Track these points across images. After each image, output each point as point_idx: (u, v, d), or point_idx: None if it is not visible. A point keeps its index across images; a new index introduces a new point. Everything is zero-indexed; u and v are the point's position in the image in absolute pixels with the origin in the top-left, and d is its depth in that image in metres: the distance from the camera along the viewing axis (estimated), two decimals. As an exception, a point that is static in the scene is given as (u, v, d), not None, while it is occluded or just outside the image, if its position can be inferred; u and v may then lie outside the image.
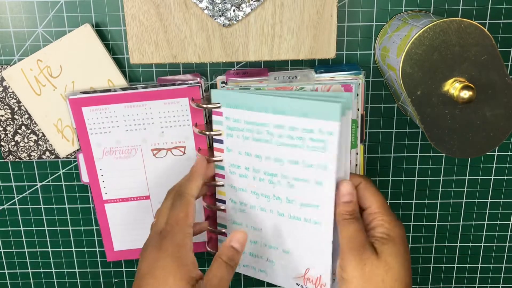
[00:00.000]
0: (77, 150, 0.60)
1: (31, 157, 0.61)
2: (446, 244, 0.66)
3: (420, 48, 0.48)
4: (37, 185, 0.63)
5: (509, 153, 0.62)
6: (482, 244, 0.66)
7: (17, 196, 0.64)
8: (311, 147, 0.51)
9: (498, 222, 0.65)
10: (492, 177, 0.63)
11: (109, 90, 0.57)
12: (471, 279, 0.68)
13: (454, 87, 0.48)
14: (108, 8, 0.56)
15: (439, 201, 0.64)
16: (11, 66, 0.58)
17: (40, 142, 0.61)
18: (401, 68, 0.49)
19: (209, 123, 0.58)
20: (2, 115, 0.60)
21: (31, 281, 0.68)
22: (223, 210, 0.58)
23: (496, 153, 0.62)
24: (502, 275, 0.68)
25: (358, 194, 0.52)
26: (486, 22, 0.57)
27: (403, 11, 0.57)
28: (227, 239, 0.51)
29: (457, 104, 0.49)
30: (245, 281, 0.67)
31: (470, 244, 0.66)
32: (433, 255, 0.67)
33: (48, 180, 0.63)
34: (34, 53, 0.57)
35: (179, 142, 0.59)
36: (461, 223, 0.65)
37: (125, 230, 0.63)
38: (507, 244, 0.66)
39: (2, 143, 0.61)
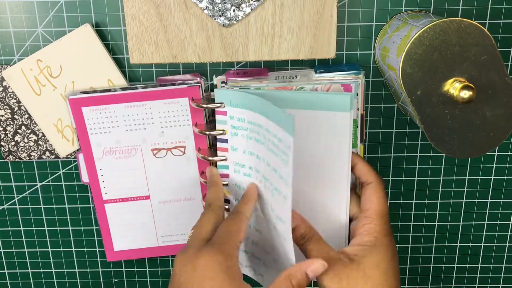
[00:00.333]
0: (77, 150, 0.60)
1: (31, 157, 0.61)
2: (446, 244, 0.66)
3: (420, 48, 0.48)
4: (37, 185, 0.63)
5: (509, 153, 0.62)
6: (482, 244, 0.66)
7: (17, 196, 0.64)
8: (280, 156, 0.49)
9: (498, 222, 0.65)
10: (492, 177, 0.63)
11: (109, 90, 0.57)
12: (471, 279, 0.68)
13: (454, 87, 0.48)
14: (108, 8, 0.56)
15: (439, 201, 0.64)
16: (11, 66, 0.58)
17: (40, 142, 0.61)
18: (401, 68, 0.49)
19: (209, 123, 0.58)
20: (2, 115, 0.60)
21: (31, 281, 0.68)
22: (227, 209, 0.58)
23: (496, 153, 0.62)
24: (502, 275, 0.68)
25: (365, 194, 0.52)
26: (486, 22, 0.57)
27: (403, 11, 0.57)
28: (304, 263, 0.47)
29: (457, 104, 0.49)
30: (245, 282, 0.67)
31: (470, 244, 0.66)
32: (433, 255, 0.67)
33: (48, 180, 0.63)
34: (34, 53, 0.57)
35: (179, 142, 0.59)
36: (461, 223, 0.65)
37: (125, 230, 0.63)
38: (507, 244, 0.66)
39: (2, 143, 0.61)
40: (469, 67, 0.49)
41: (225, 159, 0.57)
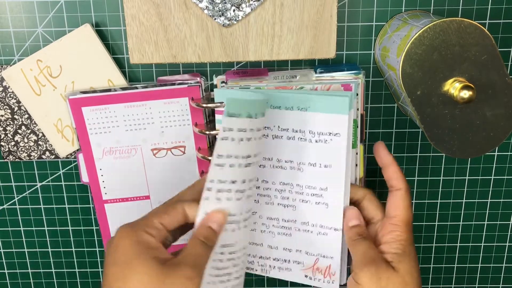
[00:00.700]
0: (77, 150, 0.60)
1: (31, 157, 0.61)
2: (446, 244, 0.66)
3: (420, 48, 0.48)
4: (37, 185, 0.63)
5: (509, 153, 0.62)
6: (482, 244, 0.66)
7: (17, 196, 0.64)
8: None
9: (498, 222, 0.65)
10: (492, 177, 0.63)
11: (109, 90, 0.57)
12: (471, 279, 0.68)
13: (454, 87, 0.48)
14: (108, 8, 0.56)
15: (439, 201, 0.64)
16: (11, 66, 0.58)
17: (40, 142, 0.61)
18: (401, 68, 0.49)
19: (209, 123, 0.58)
20: (2, 115, 0.60)
21: (31, 281, 0.68)
22: None
23: (496, 153, 0.62)
24: (502, 275, 0.68)
25: (392, 200, 0.52)
26: (486, 22, 0.57)
27: (403, 11, 0.57)
28: (205, 218, 0.48)
29: (457, 104, 0.49)
30: (245, 282, 0.67)
31: (470, 244, 0.66)
32: (433, 255, 0.67)
33: (48, 180, 0.63)
34: (34, 53, 0.57)
35: (179, 142, 0.59)
36: (461, 223, 0.65)
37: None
38: (507, 244, 0.66)
39: (2, 143, 0.61)
40: (469, 67, 0.49)
41: None
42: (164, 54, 0.54)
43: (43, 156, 0.61)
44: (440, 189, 0.63)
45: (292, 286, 0.67)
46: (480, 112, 0.50)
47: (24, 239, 0.66)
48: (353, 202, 0.55)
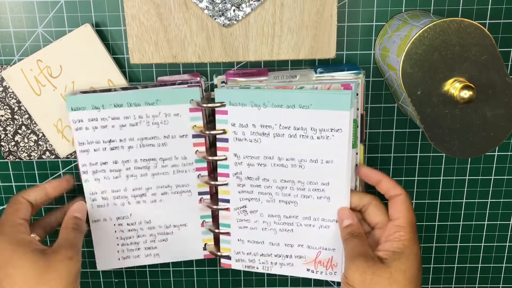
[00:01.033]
0: (77, 150, 0.61)
1: (31, 157, 0.61)
2: (446, 244, 0.66)
3: (420, 48, 0.48)
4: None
5: (509, 153, 0.62)
6: (482, 244, 0.66)
7: (17, 196, 0.64)
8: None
9: (498, 222, 0.65)
10: (492, 177, 0.63)
11: (109, 90, 0.57)
12: (471, 279, 0.68)
13: (454, 87, 0.48)
14: (108, 8, 0.56)
15: (439, 201, 0.64)
16: (11, 66, 0.58)
17: (40, 142, 0.61)
18: (401, 68, 0.49)
19: (209, 123, 0.58)
20: (2, 115, 0.60)
21: (31, 281, 0.68)
22: (227, 209, 0.58)
23: (496, 153, 0.62)
24: (502, 275, 0.68)
25: (393, 206, 0.53)
26: (486, 22, 0.57)
27: (403, 11, 0.57)
28: (69, 210, 0.57)
29: (457, 104, 0.49)
30: (245, 281, 0.67)
31: (470, 244, 0.66)
32: (433, 255, 0.67)
33: (48, 180, 0.63)
34: (34, 53, 0.57)
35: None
36: (461, 223, 0.65)
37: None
38: (507, 244, 0.66)
39: (2, 143, 0.61)
40: (469, 67, 0.49)
41: (225, 159, 0.57)
42: (164, 54, 0.54)
43: (43, 156, 0.61)
44: (440, 189, 0.63)
45: (292, 286, 0.67)
46: (480, 112, 0.50)
47: (24, 239, 0.66)
48: (360, 209, 0.56)
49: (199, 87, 0.56)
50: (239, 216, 0.59)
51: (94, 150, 0.57)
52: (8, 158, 0.61)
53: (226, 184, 0.58)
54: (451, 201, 0.64)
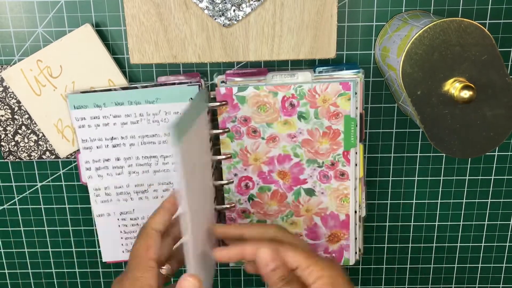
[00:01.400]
0: (77, 150, 0.60)
1: (31, 157, 0.61)
2: (446, 244, 0.66)
3: (420, 48, 0.48)
4: (37, 185, 0.63)
5: (509, 153, 0.62)
6: (482, 244, 0.66)
7: (17, 196, 0.64)
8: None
9: (498, 222, 0.65)
10: (492, 177, 0.63)
11: (109, 90, 0.57)
12: (471, 279, 0.68)
13: (454, 87, 0.48)
14: (108, 8, 0.56)
15: (439, 201, 0.64)
16: (11, 66, 0.58)
17: (40, 142, 0.61)
18: (401, 68, 0.49)
19: (209, 123, 0.58)
20: (2, 115, 0.60)
21: (31, 281, 0.68)
22: (233, 206, 0.59)
23: (496, 153, 0.62)
24: (502, 275, 0.68)
25: (281, 259, 0.48)
26: (486, 22, 0.57)
27: (403, 11, 0.57)
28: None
29: (457, 104, 0.49)
30: (245, 281, 0.67)
31: (470, 244, 0.66)
32: (433, 255, 0.67)
33: (48, 180, 0.63)
34: (34, 53, 0.57)
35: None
36: (461, 223, 0.65)
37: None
38: (507, 244, 0.66)
39: (2, 143, 0.61)
40: (469, 67, 0.49)
41: (230, 157, 0.57)
42: (164, 54, 0.54)
43: (43, 156, 0.61)
44: (440, 189, 0.63)
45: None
46: (480, 112, 0.50)
47: (24, 239, 0.66)
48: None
49: (198, 86, 0.56)
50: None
51: (97, 147, 0.58)
52: (8, 158, 0.61)
53: (232, 182, 0.58)
54: (451, 201, 0.64)
